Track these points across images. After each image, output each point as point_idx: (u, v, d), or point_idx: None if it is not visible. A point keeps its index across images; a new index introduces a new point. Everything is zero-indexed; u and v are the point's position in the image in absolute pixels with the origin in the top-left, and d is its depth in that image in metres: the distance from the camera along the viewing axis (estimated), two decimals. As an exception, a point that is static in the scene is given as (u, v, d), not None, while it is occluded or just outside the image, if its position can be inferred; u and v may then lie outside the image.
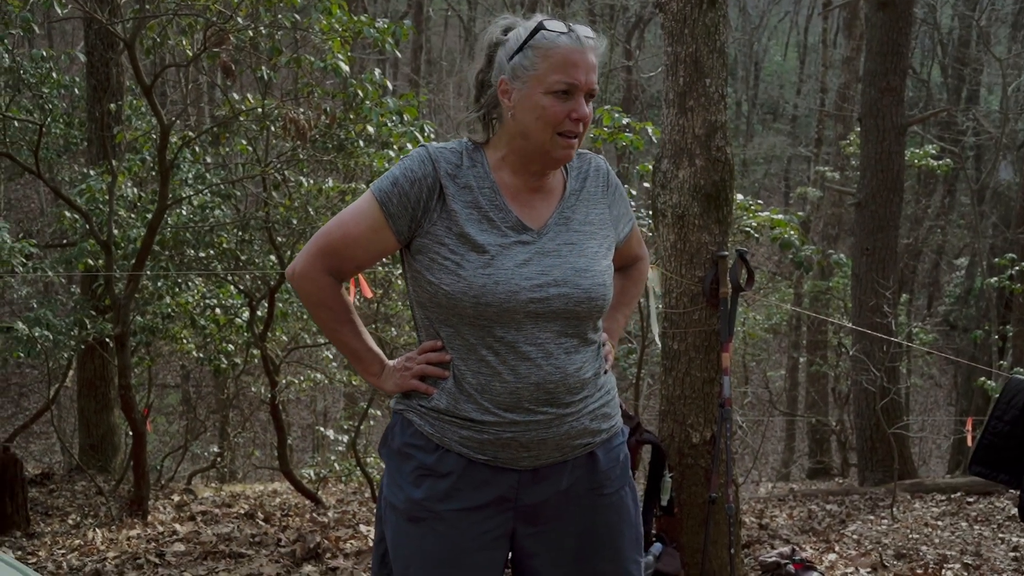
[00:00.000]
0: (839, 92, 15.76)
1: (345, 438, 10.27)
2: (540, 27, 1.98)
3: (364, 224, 2.01)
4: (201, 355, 8.49)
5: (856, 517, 7.37)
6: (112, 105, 7.92)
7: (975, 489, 8.15)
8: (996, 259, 10.36)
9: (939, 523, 6.91)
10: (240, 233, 7.37)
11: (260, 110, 6.45)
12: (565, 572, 2.07)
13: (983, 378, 9.33)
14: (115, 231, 6.73)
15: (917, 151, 11.94)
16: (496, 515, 2.01)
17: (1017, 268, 9.13)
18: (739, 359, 14.07)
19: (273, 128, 6.55)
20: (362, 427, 8.99)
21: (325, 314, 2.10)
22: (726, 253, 4.18)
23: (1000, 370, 9.32)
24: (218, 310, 7.82)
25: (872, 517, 7.33)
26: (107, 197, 6.61)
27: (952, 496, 8.15)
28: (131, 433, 6.84)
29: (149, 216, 6.50)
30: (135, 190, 7.48)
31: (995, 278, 10.02)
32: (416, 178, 1.98)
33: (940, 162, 11.96)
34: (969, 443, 8.13)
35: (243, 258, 7.36)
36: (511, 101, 1.99)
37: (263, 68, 6.30)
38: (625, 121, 6.37)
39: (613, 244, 2.15)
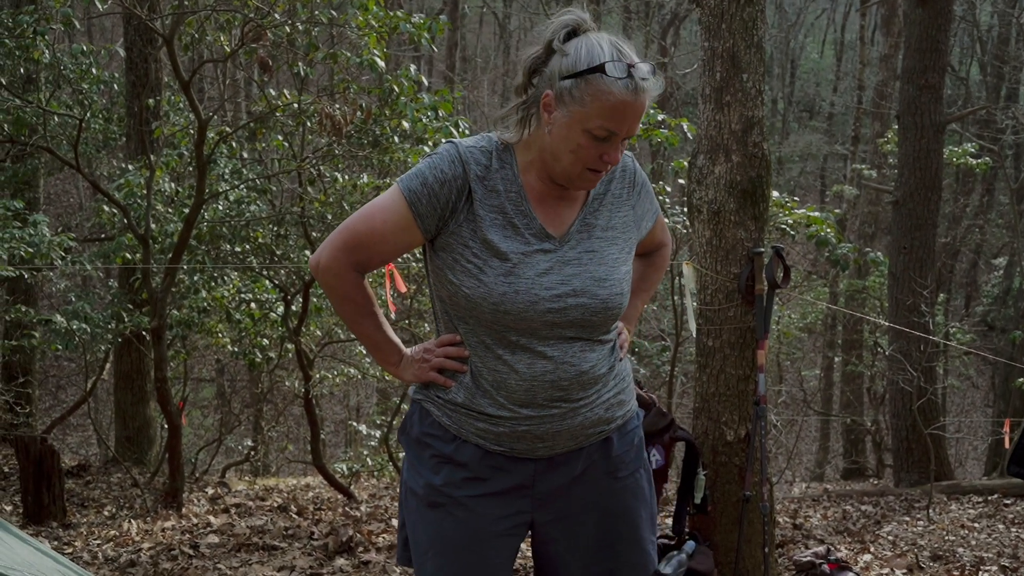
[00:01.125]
0: (876, 89, 15.59)
1: (378, 433, 10.31)
2: (601, 68, 1.88)
3: (391, 221, 2.00)
4: (236, 349, 8.57)
5: (891, 518, 7.29)
6: (150, 100, 8.01)
7: (1013, 491, 8.03)
8: (1037, 259, 10.20)
9: (976, 525, 6.82)
10: (275, 228, 7.43)
11: (296, 106, 6.49)
12: (584, 556, 2.10)
13: (1021, 379, 9.20)
14: (152, 225, 6.80)
15: (956, 149, 11.79)
16: (514, 502, 2.04)
17: (1058, 268, 8.98)
18: (773, 358, 13.96)
19: (309, 124, 6.59)
20: (394, 422, 9.02)
21: (349, 307, 2.11)
22: (762, 249, 4.14)
23: (1040, 371, 9.19)
24: (253, 304, 7.88)
25: (908, 518, 7.25)
26: (145, 192, 6.68)
27: (989, 498, 8.04)
28: (167, 426, 6.91)
29: (186, 211, 6.57)
30: (172, 185, 7.56)
31: (1035, 278, 9.87)
32: (446, 179, 1.97)
33: (979, 160, 11.80)
34: (1007, 445, 8.02)
35: (278, 253, 7.42)
36: (550, 118, 1.95)
37: (299, 64, 6.34)
38: (660, 117, 6.34)
39: (635, 244, 2.15)
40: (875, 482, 12.18)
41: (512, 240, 1.97)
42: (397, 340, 2.15)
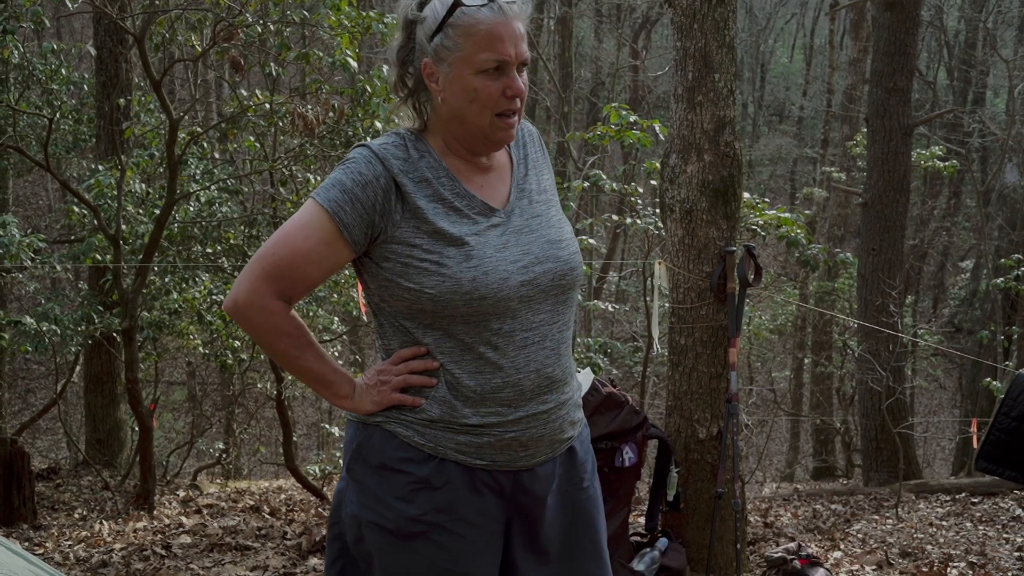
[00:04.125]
0: (845, 93, 15.75)
1: (350, 435, 10.26)
2: (457, 3, 1.81)
3: (314, 238, 1.83)
4: (207, 351, 8.52)
5: (861, 517, 7.37)
6: (121, 100, 7.95)
7: (980, 490, 8.14)
8: (1002, 260, 10.36)
9: (944, 523, 6.90)
10: (247, 229, 7.40)
11: (268, 106, 6.47)
12: (549, 569, 2.01)
13: (988, 379, 9.33)
14: (123, 226, 6.75)
15: (923, 152, 11.94)
16: (494, 517, 1.94)
17: (1023, 269, 9.12)
18: (744, 359, 14.07)
19: (281, 124, 6.58)
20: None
21: (282, 343, 1.90)
22: (734, 248, 4.18)
23: (1006, 370, 9.32)
24: (225, 306, 7.83)
25: (877, 517, 7.33)
26: (115, 192, 6.63)
27: (957, 496, 8.14)
28: (137, 428, 6.87)
29: (157, 212, 6.53)
30: (143, 186, 7.51)
31: (1001, 279, 10.01)
32: (367, 181, 1.83)
33: (946, 163, 11.95)
34: (975, 444, 8.12)
35: (250, 254, 7.38)
36: (439, 85, 1.86)
37: (271, 64, 6.33)
38: (632, 119, 6.38)
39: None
40: (845, 481, 12.29)
41: (461, 223, 1.86)
42: (343, 370, 1.96)
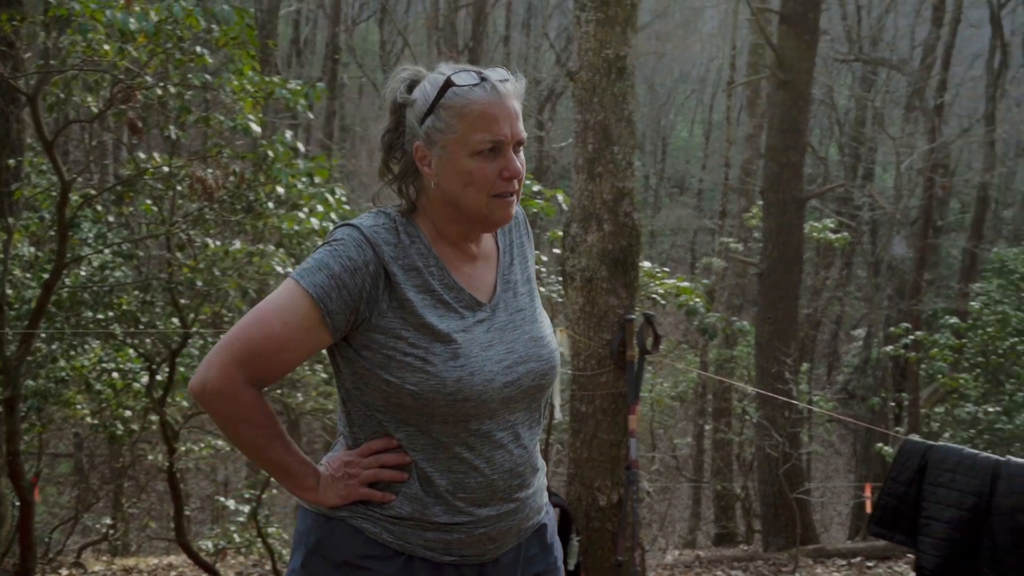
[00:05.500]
0: (742, 167, 16.28)
1: (246, 508, 9.96)
2: (448, 83, 1.76)
3: (294, 324, 1.73)
4: (96, 421, 8.18)
5: (761, 583, 7.43)
6: (11, 161, 7.69)
7: (875, 554, 8.30)
8: (891, 329, 10.72)
9: (841, 588, 7.00)
10: (141, 294, 7.19)
11: (166, 169, 6.35)
12: None
13: (880, 444, 9.58)
14: (9, 291, 6.49)
15: (816, 224, 12.37)
16: None
17: (911, 337, 9.45)
18: (647, 426, 14.19)
19: (179, 188, 6.45)
20: (264, 496, 8.75)
21: (249, 432, 1.80)
22: (633, 316, 4.23)
23: (897, 436, 9.60)
24: (115, 374, 7.57)
25: (776, 583, 7.39)
26: (2, 255, 6.38)
27: (852, 561, 8.28)
28: (18, 503, 6.53)
29: (46, 276, 6.30)
30: (32, 249, 7.25)
31: (891, 347, 10.35)
32: (356, 267, 1.73)
33: (838, 235, 12.41)
34: (868, 509, 8.30)
35: (144, 320, 7.17)
36: (432, 169, 1.79)
37: (171, 127, 6.22)
38: (536, 188, 6.45)
39: None
40: (745, 547, 12.40)
41: (448, 319, 1.78)
42: (308, 460, 1.87)
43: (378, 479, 1.80)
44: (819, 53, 14.39)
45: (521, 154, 1.81)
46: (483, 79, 1.76)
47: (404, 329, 1.75)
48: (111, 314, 7.11)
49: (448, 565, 1.83)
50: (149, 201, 6.97)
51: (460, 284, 1.83)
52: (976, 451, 3.50)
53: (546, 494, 2.05)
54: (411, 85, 1.83)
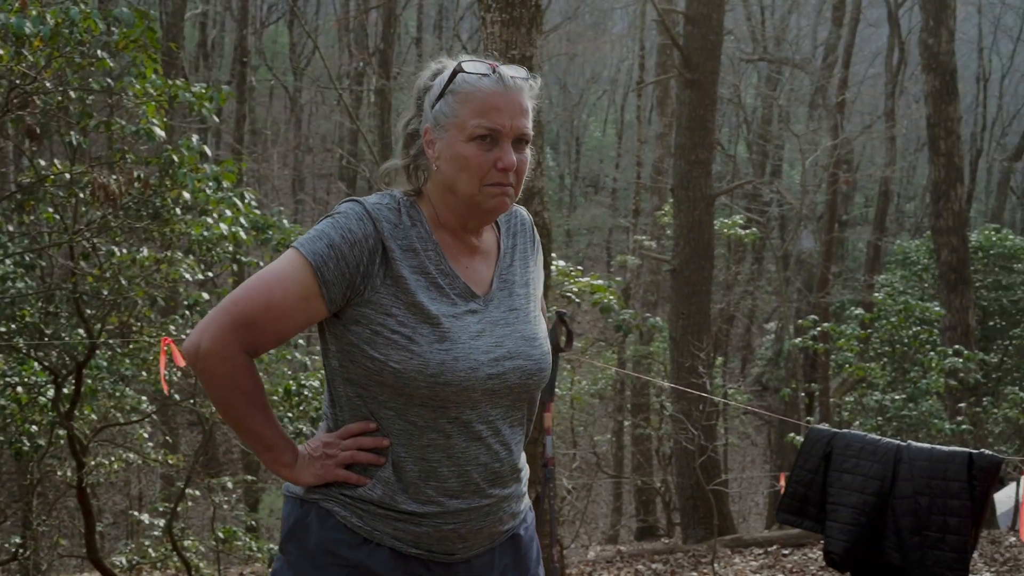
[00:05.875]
0: (654, 166, 16.51)
1: (161, 522, 9.75)
2: (459, 70, 1.81)
3: (294, 291, 1.76)
4: (1, 438, 7.91)
5: (680, 574, 7.54)
6: (-99, 171, 7.40)
7: (790, 542, 8.50)
8: (800, 321, 10.99)
9: (757, 576, 7.16)
10: (45, 305, 6.98)
11: (68, 176, 6.17)
12: None
13: (792, 434, 9.82)
14: (-98, 305, 6.24)
15: (726, 221, 12.62)
16: None
17: (819, 329, 9.71)
18: (567, 424, 14.29)
19: (82, 195, 6.28)
20: (179, 508, 8.57)
21: (237, 398, 1.81)
22: (547, 314, 4.25)
23: (808, 425, 9.85)
24: (19, 388, 7.33)
25: (695, 574, 7.52)
26: None
27: (769, 549, 8.48)
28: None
29: (-59, 288, 6.08)
30: (-74, 261, 6.98)
31: (800, 339, 10.62)
32: (356, 239, 1.76)
33: (747, 231, 12.67)
34: (782, 497, 8.50)
35: (48, 332, 6.96)
36: (435, 151, 1.83)
37: (72, 133, 6.05)
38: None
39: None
40: (666, 541, 12.59)
41: (440, 302, 1.80)
42: (288, 437, 1.88)
43: (355, 461, 1.81)
44: (725, 53, 14.69)
45: (527, 153, 1.85)
46: (495, 71, 1.81)
47: (395, 306, 1.77)
48: (14, 326, 6.89)
49: (415, 559, 1.82)
50: (51, 209, 6.76)
51: (456, 272, 1.85)
52: (879, 437, 3.62)
53: (526, 504, 2.01)
54: (436, 73, 1.88)
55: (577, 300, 6.73)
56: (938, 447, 3.48)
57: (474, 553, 1.88)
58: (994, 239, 16.04)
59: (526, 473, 2.00)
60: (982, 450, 3.45)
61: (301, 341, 7.43)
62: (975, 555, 7.36)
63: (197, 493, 9.65)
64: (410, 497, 1.80)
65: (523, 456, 1.98)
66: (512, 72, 1.83)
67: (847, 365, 11.57)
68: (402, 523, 1.80)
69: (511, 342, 1.85)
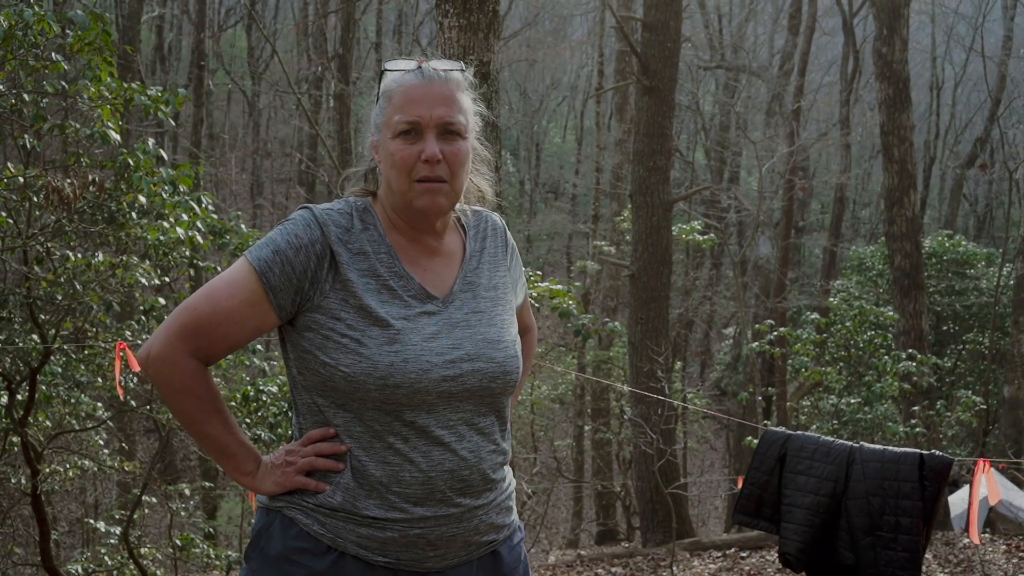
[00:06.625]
0: (613, 172, 16.61)
1: (117, 530, 9.62)
2: (384, 70, 1.85)
3: (239, 297, 1.77)
4: (-49, 445, 7.77)
5: (639, 577, 7.59)
6: None
7: (748, 544, 8.59)
8: (757, 326, 11.11)
9: (715, 578, 7.22)
10: (-3, 311, 6.87)
11: (21, 179, 6.09)
12: None
13: (750, 437, 9.92)
14: None
15: (684, 227, 12.72)
16: None
17: (776, 334, 9.81)
18: (527, 428, 14.31)
19: (36, 199, 6.19)
20: (136, 516, 8.47)
21: (190, 404, 1.81)
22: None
23: (765, 429, 9.95)
24: (-29, 395, 7.21)
25: (654, 576, 7.57)
26: None
27: (727, 552, 8.56)
28: None
29: None
30: None
31: (756, 343, 10.73)
32: (301, 244, 1.77)
33: (706, 237, 12.79)
34: (740, 500, 8.58)
35: (1, 337, 6.85)
36: (379, 155, 1.86)
37: (26, 136, 5.97)
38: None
39: (515, 310, 2.00)
40: (626, 544, 12.65)
41: (391, 304, 1.78)
42: (251, 444, 1.87)
43: (313, 468, 1.80)
44: (683, 60, 14.82)
45: (459, 144, 1.82)
46: (417, 68, 1.82)
47: (343, 310, 1.76)
48: (-36, 333, 6.78)
49: (382, 568, 1.78)
50: (4, 213, 6.66)
51: (410, 273, 1.83)
52: (832, 439, 3.67)
53: (512, 521, 1.95)
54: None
55: (537, 305, 6.76)
56: (890, 448, 3.54)
57: (448, 564, 1.82)
58: (947, 245, 16.32)
59: (509, 484, 1.94)
60: (933, 451, 3.52)
61: (259, 347, 7.38)
62: (929, 556, 7.48)
63: (154, 500, 9.55)
64: (374, 502, 1.77)
65: (505, 467, 1.93)
66: (437, 65, 1.84)
67: (803, 369, 11.70)
68: (366, 528, 1.77)
69: (471, 344, 1.82)
